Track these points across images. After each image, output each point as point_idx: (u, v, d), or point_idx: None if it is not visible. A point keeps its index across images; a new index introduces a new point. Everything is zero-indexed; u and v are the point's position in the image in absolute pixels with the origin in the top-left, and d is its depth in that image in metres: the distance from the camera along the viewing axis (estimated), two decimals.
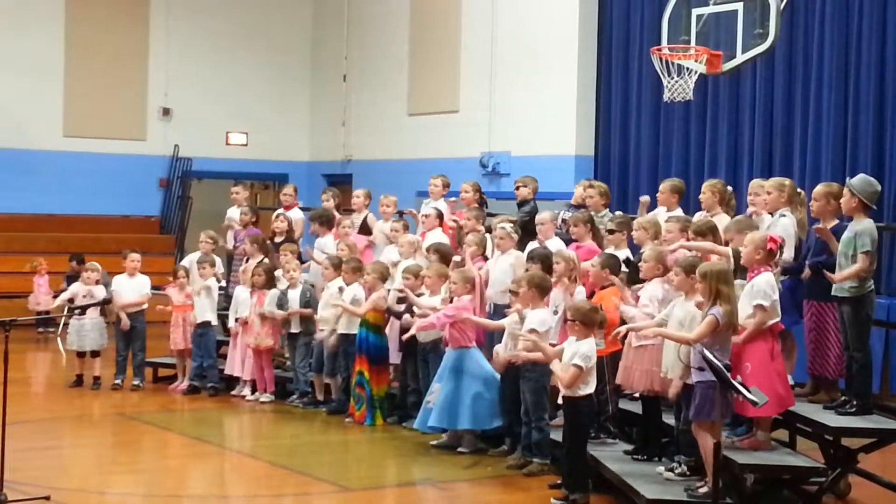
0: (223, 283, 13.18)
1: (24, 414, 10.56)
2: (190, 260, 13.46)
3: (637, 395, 9.03)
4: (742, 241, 8.31)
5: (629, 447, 8.94)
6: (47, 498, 7.96)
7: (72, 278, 16.72)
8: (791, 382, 8.58)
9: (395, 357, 11.18)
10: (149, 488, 8.99)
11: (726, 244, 8.74)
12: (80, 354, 12.82)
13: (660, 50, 12.56)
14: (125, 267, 12.84)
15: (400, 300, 11.02)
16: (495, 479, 9.19)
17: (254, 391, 12.28)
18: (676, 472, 8.16)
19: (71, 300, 12.79)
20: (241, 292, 12.40)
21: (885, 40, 13.55)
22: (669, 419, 8.54)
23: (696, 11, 12.48)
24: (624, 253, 9.83)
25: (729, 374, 7.04)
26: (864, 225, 8.27)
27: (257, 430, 11.47)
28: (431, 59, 19.23)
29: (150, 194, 21.10)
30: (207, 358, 12.58)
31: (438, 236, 11.74)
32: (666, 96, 12.51)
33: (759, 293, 7.97)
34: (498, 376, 9.71)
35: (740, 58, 12.20)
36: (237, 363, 12.38)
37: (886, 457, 9.01)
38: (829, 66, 14.06)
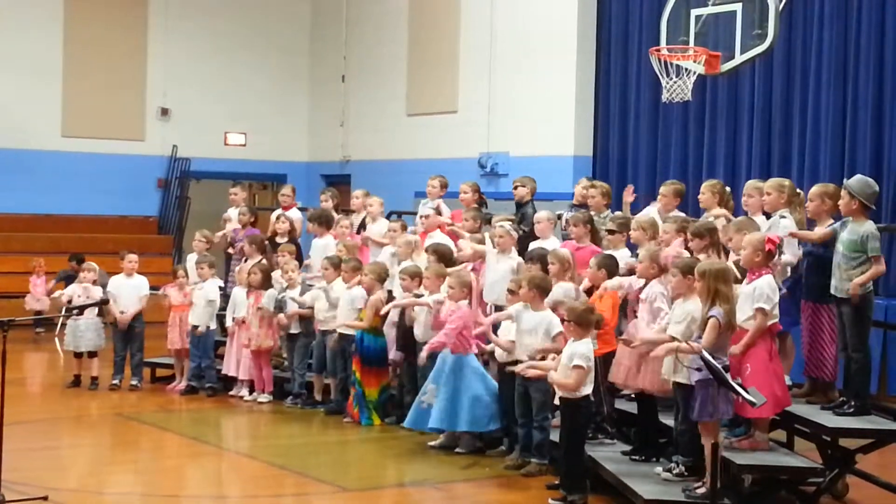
0: (221, 283, 13.16)
1: (22, 414, 10.55)
2: (191, 260, 13.44)
3: (633, 395, 9.04)
4: (741, 241, 8.31)
5: (627, 448, 8.94)
6: (45, 498, 7.95)
7: (69, 278, 16.78)
8: (789, 383, 8.59)
9: (394, 356, 11.17)
10: (147, 488, 8.99)
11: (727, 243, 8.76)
12: (78, 355, 12.82)
13: (658, 50, 12.57)
14: (122, 267, 12.84)
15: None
16: (493, 479, 9.19)
17: (252, 391, 12.27)
18: (674, 472, 8.16)
19: (69, 300, 12.78)
20: (238, 292, 12.39)
21: (884, 41, 13.56)
22: (667, 420, 8.54)
23: (694, 12, 12.50)
24: (623, 253, 9.82)
25: (727, 375, 7.04)
26: (867, 227, 8.28)
27: (255, 430, 11.46)
28: (430, 59, 19.23)
29: (149, 194, 21.09)
30: (205, 358, 12.58)
31: (439, 236, 11.73)
32: (664, 97, 12.52)
33: (760, 296, 7.96)
34: (495, 381, 9.74)
35: (739, 58, 12.22)
36: (234, 363, 12.38)
37: (884, 457, 9.03)
38: (827, 66, 14.07)
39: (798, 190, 9.33)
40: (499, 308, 10.13)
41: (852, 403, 8.32)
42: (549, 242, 10.51)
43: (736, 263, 8.43)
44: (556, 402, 8.51)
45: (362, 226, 12.85)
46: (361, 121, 20.82)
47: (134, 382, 12.75)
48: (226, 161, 21.27)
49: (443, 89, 18.88)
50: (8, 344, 7.67)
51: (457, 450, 9.91)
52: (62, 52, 20.18)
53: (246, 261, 12.77)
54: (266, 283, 12.12)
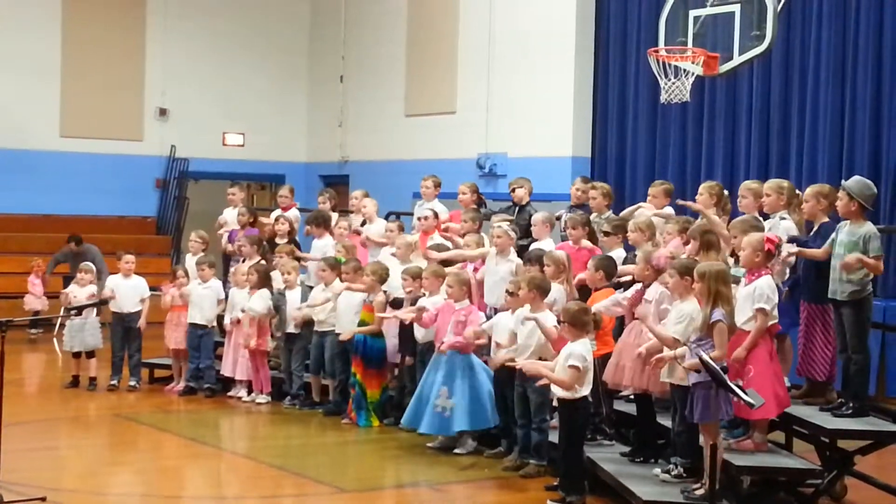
0: (220, 283, 13.16)
1: (21, 415, 10.54)
2: (190, 261, 13.43)
3: (631, 395, 9.04)
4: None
5: (626, 449, 8.94)
6: (43, 499, 7.94)
7: (67, 258, 16.85)
8: (787, 384, 8.59)
9: (393, 357, 11.17)
10: (145, 489, 9.00)
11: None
12: (76, 355, 12.81)
13: (657, 51, 12.57)
14: (120, 268, 12.83)
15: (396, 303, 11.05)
16: (492, 480, 9.19)
17: (250, 392, 12.27)
18: (673, 473, 8.16)
19: (68, 301, 12.77)
20: (236, 293, 12.39)
21: (882, 42, 13.57)
22: (666, 421, 8.54)
23: (693, 13, 12.49)
24: (619, 255, 9.82)
25: (726, 376, 7.04)
26: (867, 228, 8.28)
27: (253, 430, 11.46)
28: (428, 60, 19.23)
29: (147, 195, 21.08)
30: (204, 359, 12.57)
31: (437, 238, 11.73)
32: (663, 98, 12.51)
33: (761, 297, 7.96)
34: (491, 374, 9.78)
35: (737, 59, 12.21)
36: (231, 364, 12.37)
37: (883, 459, 9.03)
38: (825, 67, 14.08)
39: (797, 191, 9.34)
40: (496, 310, 10.12)
41: (851, 405, 8.32)
42: (546, 244, 10.51)
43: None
44: (555, 403, 8.51)
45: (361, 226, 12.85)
46: (360, 121, 20.82)
47: (132, 383, 12.74)
48: (224, 161, 21.26)
49: (441, 90, 18.88)
50: (5, 345, 7.67)
51: (455, 451, 9.91)
52: (61, 52, 20.17)
53: (244, 261, 12.78)
54: (263, 284, 12.10)
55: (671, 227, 9.42)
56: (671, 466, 8.22)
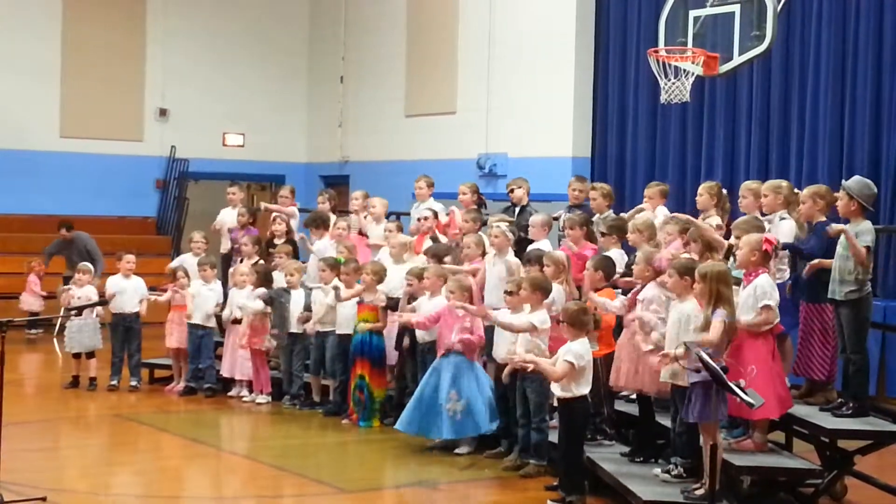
0: (219, 283, 13.17)
1: (21, 415, 10.55)
2: (180, 261, 13.41)
3: (633, 396, 9.04)
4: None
5: (626, 449, 8.94)
6: (43, 499, 7.95)
7: (60, 249, 16.87)
8: (788, 384, 8.59)
9: (391, 358, 11.17)
10: (145, 489, 9.00)
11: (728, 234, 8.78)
12: (76, 355, 12.81)
13: (657, 52, 12.56)
14: (120, 268, 12.83)
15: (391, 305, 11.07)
16: (492, 480, 9.21)
17: (250, 392, 12.27)
18: (673, 473, 8.16)
19: (67, 301, 12.77)
20: (236, 293, 12.39)
21: (882, 43, 13.57)
22: (666, 421, 8.54)
23: (693, 13, 12.48)
24: (616, 255, 9.82)
25: (725, 376, 7.03)
26: (864, 226, 8.30)
27: (254, 431, 11.46)
28: (428, 60, 19.23)
29: (147, 195, 21.08)
30: (204, 359, 12.57)
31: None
32: (663, 98, 12.51)
33: (763, 294, 7.93)
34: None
35: (737, 60, 12.20)
36: (230, 365, 12.37)
37: (883, 459, 9.03)
38: (825, 68, 14.08)
39: (796, 190, 9.35)
40: (495, 310, 10.11)
41: (851, 405, 8.33)
42: (542, 244, 10.52)
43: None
44: (555, 403, 8.51)
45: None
46: (360, 122, 20.82)
47: (133, 383, 12.74)
48: (224, 162, 21.25)
49: (441, 90, 18.88)
50: (5, 345, 7.67)
51: (455, 451, 9.91)
52: (61, 52, 20.17)
53: (242, 261, 12.81)
54: (263, 284, 12.11)
55: (672, 227, 9.42)
56: (671, 466, 8.23)
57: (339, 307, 11.36)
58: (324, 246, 12.48)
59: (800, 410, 8.47)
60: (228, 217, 13.91)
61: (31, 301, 17.16)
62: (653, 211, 10.56)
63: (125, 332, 12.69)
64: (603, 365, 8.91)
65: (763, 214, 9.16)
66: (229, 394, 12.43)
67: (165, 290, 12.86)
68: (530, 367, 8.45)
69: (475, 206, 12.02)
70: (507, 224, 10.73)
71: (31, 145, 19.79)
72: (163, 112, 21.02)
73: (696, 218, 9.81)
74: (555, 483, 8.53)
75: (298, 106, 22.21)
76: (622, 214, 10.96)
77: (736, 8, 12.11)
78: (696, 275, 7.80)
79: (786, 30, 14.02)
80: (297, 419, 11.50)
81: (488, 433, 9.90)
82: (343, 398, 11.36)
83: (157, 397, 12.60)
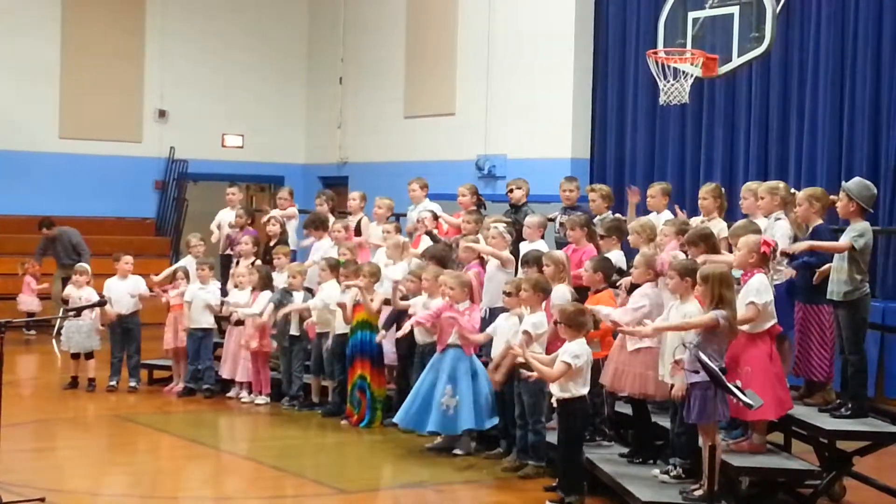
0: (218, 285, 13.16)
1: (19, 415, 10.54)
2: (183, 263, 13.42)
3: (627, 394, 9.04)
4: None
5: (624, 450, 8.95)
6: (42, 500, 7.93)
7: (46, 248, 16.88)
8: (788, 385, 8.59)
9: (390, 359, 11.18)
10: (144, 490, 8.98)
11: (730, 247, 8.77)
12: (75, 356, 12.81)
13: (656, 53, 12.57)
14: (118, 269, 12.82)
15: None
16: (491, 481, 9.20)
17: (249, 393, 12.27)
18: (671, 474, 8.17)
19: (65, 302, 12.77)
20: (236, 295, 12.39)
21: (881, 44, 13.57)
22: (665, 422, 8.54)
23: (692, 15, 12.49)
24: (616, 256, 9.83)
25: (724, 377, 7.04)
26: (858, 226, 8.31)
27: (253, 432, 11.46)
28: (428, 61, 19.23)
29: (146, 196, 21.09)
30: (203, 360, 12.57)
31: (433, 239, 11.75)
32: (662, 99, 12.51)
33: (751, 291, 7.97)
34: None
35: (736, 61, 12.21)
36: (230, 366, 12.37)
37: (881, 460, 9.03)
38: (824, 69, 14.08)
39: (793, 191, 9.35)
40: (493, 311, 10.14)
41: (849, 406, 8.33)
42: (538, 245, 10.52)
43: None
44: (554, 404, 8.51)
45: (357, 227, 12.86)
46: (359, 123, 20.82)
47: (132, 384, 12.74)
48: (223, 163, 21.27)
49: (440, 91, 18.88)
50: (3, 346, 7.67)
51: (454, 451, 9.92)
52: (60, 53, 20.18)
53: (237, 263, 12.82)
54: (265, 286, 12.11)
55: (668, 228, 9.41)
56: (670, 467, 8.23)
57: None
58: (323, 247, 12.48)
59: (798, 411, 8.47)
60: (227, 218, 13.92)
61: (28, 301, 17.16)
62: (657, 213, 10.54)
63: (123, 332, 12.69)
64: (603, 366, 8.93)
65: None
66: (228, 395, 12.42)
67: (166, 291, 12.84)
68: (532, 375, 8.45)
69: (474, 208, 12.03)
70: (505, 225, 10.73)
71: (29, 146, 19.79)
72: (162, 113, 21.02)
73: (700, 221, 9.82)
74: (554, 484, 8.54)
75: (297, 107, 22.21)
76: (618, 215, 10.98)
77: (735, 9, 12.11)
78: (698, 277, 7.81)
79: (785, 31, 14.02)
80: (295, 420, 11.50)
81: (479, 430, 9.90)
82: (342, 398, 11.36)
83: (156, 398, 12.60)
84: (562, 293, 9.21)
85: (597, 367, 8.85)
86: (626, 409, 9.29)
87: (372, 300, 11.01)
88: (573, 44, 16.80)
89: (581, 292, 9.45)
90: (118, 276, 12.79)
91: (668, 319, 8.18)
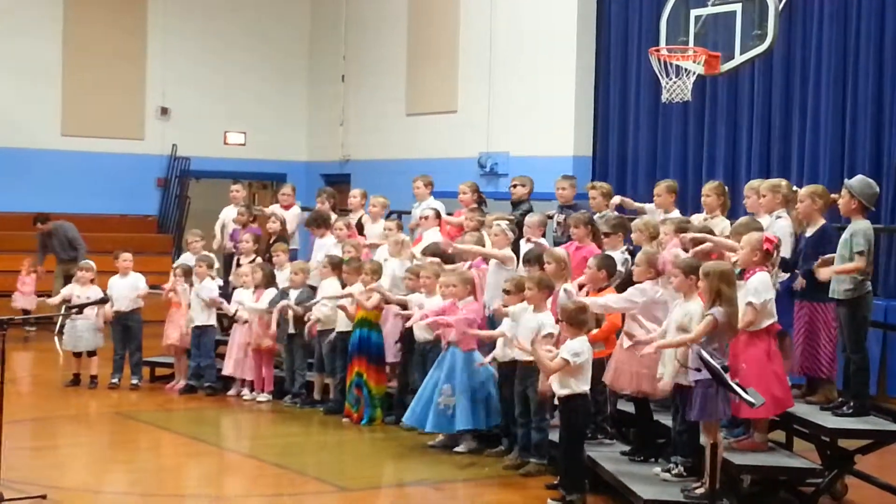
0: (220, 283, 13.18)
1: (21, 413, 10.55)
2: (184, 260, 13.42)
3: (629, 394, 9.04)
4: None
5: (626, 448, 8.94)
6: (44, 497, 7.95)
7: (68, 278, 16.85)
8: (790, 383, 8.58)
9: (391, 356, 11.18)
10: (145, 487, 8.97)
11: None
12: (77, 354, 12.81)
13: (658, 51, 12.55)
14: (118, 267, 12.82)
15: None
16: (492, 479, 9.19)
17: (251, 391, 12.27)
18: (673, 472, 8.16)
19: (67, 300, 12.77)
20: (241, 292, 12.39)
21: (884, 42, 13.55)
22: (667, 420, 8.54)
23: (694, 12, 12.47)
24: (620, 255, 9.82)
25: (727, 375, 7.04)
26: (860, 225, 8.29)
27: (254, 429, 11.46)
28: (429, 59, 19.22)
29: (148, 194, 21.09)
30: (205, 357, 12.57)
31: (435, 236, 11.74)
32: (664, 97, 12.50)
33: (751, 291, 7.98)
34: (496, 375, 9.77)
35: (739, 59, 12.19)
36: (233, 363, 12.37)
37: (883, 458, 9.03)
38: (827, 67, 14.07)
39: (795, 188, 9.35)
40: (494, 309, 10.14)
41: (851, 404, 8.32)
42: (540, 243, 10.51)
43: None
44: (556, 402, 8.51)
45: (359, 225, 12.86)
46: (361, 120, 20.81)
47: (134, 381, 12.74)
48: (225, 160, 21.27)
49: (442, 89, 18.87)
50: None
51: (456, 449, 9.91)
52: (62, 51, 20.18)
53: (239, 261, 12.83)
54: (269, 284, 12.11)
55: (667, 227, 9.40)
56: (671, 465, 8.23)
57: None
58: (325, 245, 12.48)
59: (800, 409, 8.47)
60: (231, 215, 13.93)
61: (19, 299, 17.10)
62: (663, 211, 10.51)
63: (124, 330, 12.69)
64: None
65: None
66: (229, 392, 12.42)
67: (166, 289, 12.85)
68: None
69: (476, 205, 12.02)
70: (507, 223, 10.73)
71: (32, 143, 19.79)
72: (164, 110, 21.02)
73: (702, 219, 9.81)
74: (555, 482, 8.53)
75: (299, 104, 22.21)
76: (624, 199, 11.01)
77: (737, 7, 12.09)
78: (700, 273, 7.81)
79: (787, 29, 14.00)
80: (297, 417, 11.50)
81: (478, 430, 9.90)
82: (344, 396, 11.36)
83: (158, 395, 12.60)
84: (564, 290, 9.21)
85: (601, 366, 8.86)
86: (628, 408, 9.29)
87: (369, 298, 11.01)
88: (575, 41, 16.78)
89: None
90: (119, 275, 12.79)
91: (672, 318, 8.18)
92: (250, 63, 21.62)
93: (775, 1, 11.82)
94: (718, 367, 7.00)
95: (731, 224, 9.23)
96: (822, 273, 8.29)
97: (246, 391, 12.30)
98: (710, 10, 12.35)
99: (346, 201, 13.91)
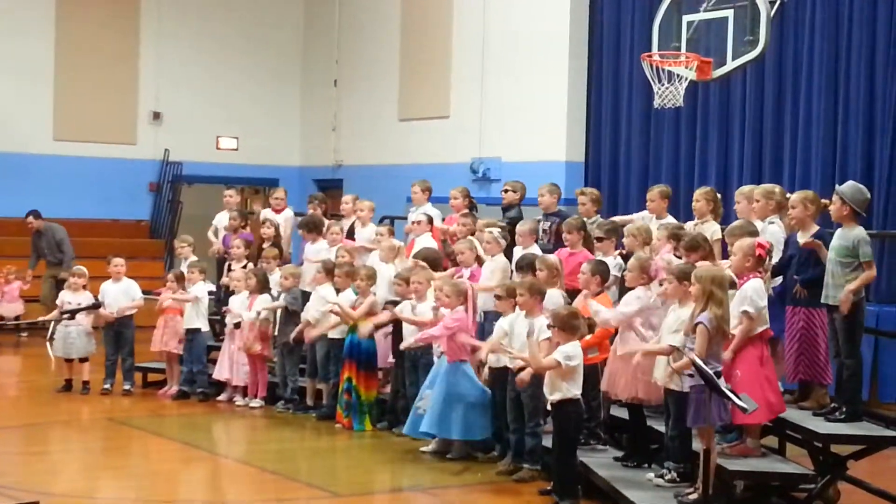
0: (212, 288, 13.18)
1: (13, 418, 10.55)
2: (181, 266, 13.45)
3: (623, 401, 9.05)
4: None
5: (619, 453, 8.95)
6: (36, 503, 7.91)
7: (60, 283, 16.82)
8: (781, 389, 8.60)
9: (384, 362, 11.17)
10: (138, 493, 8.97)
11: (722, 248, 8.79)
12: (69, 360, 12.78)
13: (650, 56, 12.58)
14: (110, 272, 12.80)
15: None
16: (485, 485, 9.17)
17: (244, 396, 12.26)
18: (666, 478, 8.17)
19: (60, 306, 12.75)
20: (234, 298, 12.37)
21: (875, 48, 13.59)
22: (660, 426, 8.54)
23: (686, 18, 12.49)
24: (613, 261, 9.83)
25: (720, 381, 7.05)
26: (857, 233, 8.31)
27: (247, 435, 11.45)
28: (422, 64, 19.23)
29: (140, 198, 21.06)
30: (197, 363, 12.55)
31: (427, 242, 11.74)
32: (656, 103, 12.52)
33: (745, 300, 8.00)
34: (488, 389, 9.75)
35: (730, 65, 12.22)
36: (228, 368, 12.35)
37: (876, 464, 9.02)
38: (818, 73, 14.10)
39: (788, 195, 9.36)
40: (487, 314, 10.14)
41: (844, 410, 8.33)
42: (532, 250, 10.51)
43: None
44: (549, 407, 8.51)
45: (351, 230, 12.86)
46: (354, 125, 20.81)
47: (126, 387, 12.72)
48: (218, 165, 21.26)
49: (435, 94, 18.89)
50: None
51: (449, 455, 9.90)
52: (54, 55, 20.14)
53: (230, 267, 12.82)
54: (263, 289, 12.10)
55: (660, 233, 9.42)
56: (664, 471, 8.23)
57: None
58: (317, 250, 12.47)
59: (793, 415, 8.48)
60: (224, 220, 13.93)
61: (7, 307, 17.03)
62: (658, 217, 10.51)
63: (117, 335, 12.67)
64: (602, 370, 8.94)
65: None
66: (222, 398, 12.40)
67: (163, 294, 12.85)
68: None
69: (466, 210, 12.03)
70: (500, 230, 10.73)
71: (23, 148, 19.75)
72: (156, 115, 20.99)
73: (693, 224, 9.83)
74: (548, 487, 8.53)
75: (292, 109, 22.20)
76: (614, 218, 10.98)
77: (729, 13, 12.12)
78: (693, 277, 7.83)
79: (779, 35, 14.03)
80: (290, 423, 11.49)
81: (429, 436, 9.94)
82: (336, 402, 11.34)
83: (150, 401, 12.58)
84: (555, 298, 9.21)
85: (595, 372, 8.87)
86: (621, 413, 9.30)
87: (360, 304, 11.02)
88: (568, 47, 16.81)
89: (574, 296, 9.46)
90: (112, 280, 12.78)
91: (666, 324, 8.20)
92: (243, 67, 21.62)
93: (767, 7, 11.85)
94: (711, 373, 7.02)
95: (723, 230, 9.26)
96: (848, 292, 8.23)
97: (238, 397, 12.29)
98: (702, 15, 12.37)
99: (338, 206, 13.91)
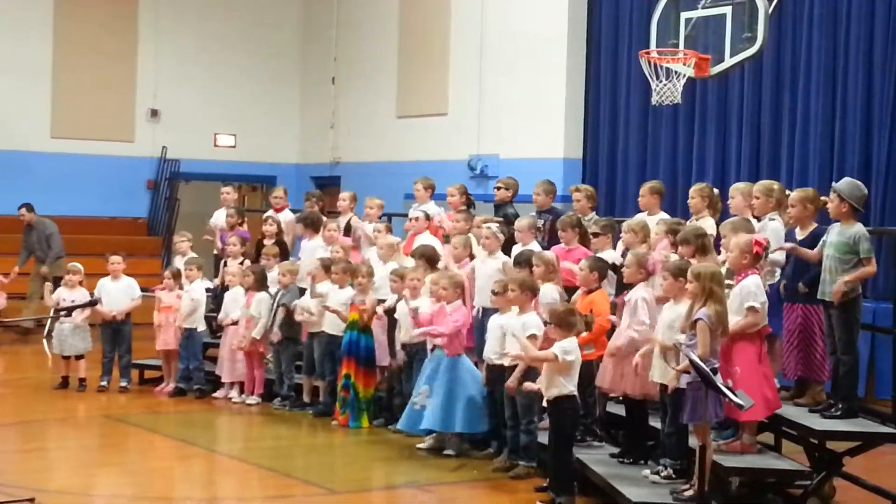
0: (210, 285, 13.18)
1: (9, 415, 10.54)
2: (178, 264, 13.42)
3: (620, 397, 9.05)
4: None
5: (615, 450, 8.94)
6: (32, 500, 7.91)
7: (57, 280, 16.79)
8: (777, 385, 8.60)
9: (383, 359, 11.17)
10: (134, 490, 8.97)
11: (718, 242, 8.78)
12: (65, 357, 12.77)
13: (648, 53, 12.58)
14: (108, 269, 12.79)
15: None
16: (481, 481, 9.19)
17: (241, 393, 12.25)
18: (662, 475, 8.16)
19: (56, 303, 12.73)
20: (231, 294, 12.37)
21: (873, 45, 13.57)
22: (655, 422, 8.54)
23: (684, 15, 12.50)
24: (611, 255, 9.83)
25: (716, 377, 7.04)
26: (857, 229, 8.30)
27: (244, 432, 11.44)
28: (420, 61, 19.22)
29: (138, 196, 21.05)
30: (193, 360, 12.55)
31: (426, 239, 11.72)
32: (654, 99, 12.53)
33: (749, 295, 7.99)
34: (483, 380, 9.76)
35: (728, 62, 12.23)
36: (226, 365, 12.35)
37: (871, 460, 9.03)
38: (816, 70, 14.08)
39: (787, 191, 9.35)
40: (486, 311, 10.12)
41: (840, 406, 8.33)
42: (531, 246, 10.51)
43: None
44: (544, 404, 8.51)
45: (347, 228, 12.85)
46: (351, 123, 20.80)
47: (123, 384, 12.72)
48: (215, 163, 21.24)
49: (433, 91, 18.87)
50: None
51: (445, 452, 9.90)
52: (52, 52, 20.12)
53: (226, 264, 12.81)
54: (261, 286, 12.10)
55: (659, 228, 9.41)
56: (660, 468, 8.23)
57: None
58: (314, 247, 12.47)
59: (789, 412, 8.47)
60: (222, 218, 13.92)
61: None
62: (649, 213, 10.49)
63: (114, 332, 12.66)
64: (598, 367, 8.93)
65: (757, 219, 9.15)
66: (218, 394, 12.39)
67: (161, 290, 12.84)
68: (533, 387, 8.45)
69: (464, 207, 12.02)
70: (498, 225, 10.72)
71: (21, 145, 19.74)
72: (154, 113, 20.98)
73: (689, 220, 9.81)
74: (544, 484, 8.53)
75: (290, 107, 22.19)
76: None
77: (727, 10, 12.13)
78: (690, 274, 7.82)
79: (777, 32, 14.02)
80: (286, 420, 11.49)
81: (430, 433, 9.94)
82: (333, 399, 11.35)
83: (147, 398, 12.57)
84: (551, 293, 9.21)
85: (590, 369, 8.86)
86: (617, 410, 9.30)
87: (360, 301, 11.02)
88: (566, 44, 16.79)
89: (570, 292, 9.46)
90: (110, 277, 12.77)
91: (662, 320, 8.19)
92: (241, 65, 21.60)
93: (765, 4, 11.86)
94: (707, 369, 7.01)
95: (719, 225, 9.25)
96: (842, 282, 8.22)
97: (235, 393, 12.28)
98: (700, 12, 12.39)
99: (335, 203, 13.90)
